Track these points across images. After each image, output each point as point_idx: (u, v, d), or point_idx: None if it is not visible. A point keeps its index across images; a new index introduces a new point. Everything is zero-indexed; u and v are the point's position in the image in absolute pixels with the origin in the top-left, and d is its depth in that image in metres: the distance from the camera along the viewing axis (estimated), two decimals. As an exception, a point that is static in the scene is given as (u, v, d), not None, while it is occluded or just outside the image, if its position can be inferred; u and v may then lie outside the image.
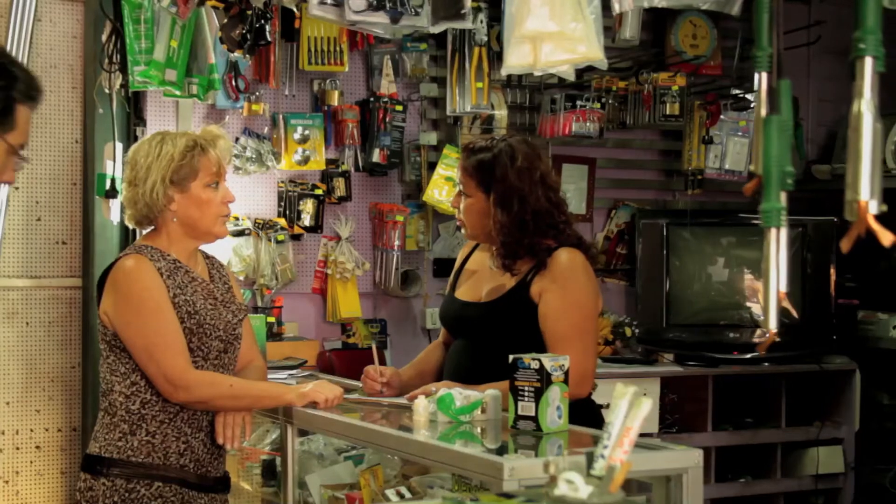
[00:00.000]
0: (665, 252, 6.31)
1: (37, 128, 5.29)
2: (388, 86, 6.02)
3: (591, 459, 1.93)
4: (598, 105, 6.18)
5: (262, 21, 4.58)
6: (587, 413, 3.88)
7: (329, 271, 5.97)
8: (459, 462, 3.02)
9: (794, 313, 6.35)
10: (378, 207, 6.10)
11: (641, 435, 5.27)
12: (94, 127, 5.29)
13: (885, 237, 1.61)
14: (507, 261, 3.87)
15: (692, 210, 6.49)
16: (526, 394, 3.33)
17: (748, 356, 6.29)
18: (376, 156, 5.93)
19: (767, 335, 1.76)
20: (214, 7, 4.53)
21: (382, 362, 5.13)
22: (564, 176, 6.53)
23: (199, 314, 3.71)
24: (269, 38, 4.73)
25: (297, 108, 5.92)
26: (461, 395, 3.47)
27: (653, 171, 6.90)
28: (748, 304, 6.37)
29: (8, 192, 5.11)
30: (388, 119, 5.93)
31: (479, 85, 5.77)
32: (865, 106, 1.60)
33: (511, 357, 3.37)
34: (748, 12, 6.44)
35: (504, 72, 3.57)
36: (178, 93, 4.90)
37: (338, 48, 5.83)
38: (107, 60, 5.06)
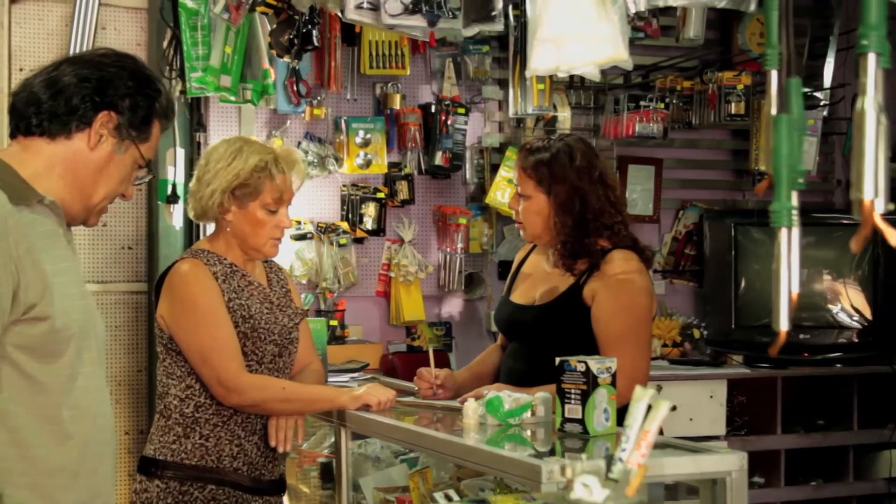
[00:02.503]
0: (733, 253, 6.24)
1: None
2: (450, 88, 6.03)
3: (610, 463, 1.92)
4: (662, 105, 6.14)
5: (310, 26, 4.60)
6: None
7: (393, 274, 5.99)
8: (499, 465, 3.00)
9: (867, 314, 6.27)
10: (441, 210, 6.11)
11: (701, 438, 5.22)
12: (156, 133, 5.35)
13: (893, 237, 1.58)
14: (567, 261, 3.84)
15: (759, 210, 6.40)
16: (573, 396, 3.30)
17: (819, 358, 6.21)
18: (438, 159, 5.94)
19: (779, 336, 1.73)
20: (264, 13, 4.56)
21: (446, 365, 5.15)
22: (631, 177, 6.50)
23: (254, 318, 3.73)
24: (317, 43, 4.76)
25: (360, 112, 5.95)
26: (510, 397, 3.45)
27: (721, 171, 6.84)
28: (819, 305, 6.29)
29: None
30: (450, 122, 5.94)
31: (541, 87, 5.75)
32: (869, 103, 1.57)
33: (557, 359, 3.35)
34: (821, 7, 6.35)
35: (528, 74, 3.56)
36: (232, 98, 4.94)
37: (399, 52, 5.86)
38: (167, 67, 5.11)
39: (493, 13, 3.44)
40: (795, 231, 1.73)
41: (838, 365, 6.24)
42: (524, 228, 3.96)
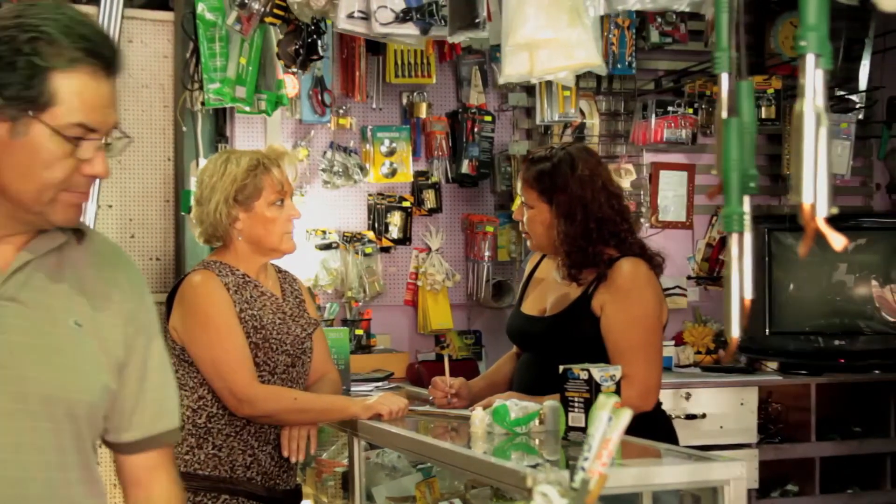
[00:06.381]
0: (767, 258, 6.17)
1: (130, 146, 5.38)
2: (477, 96, 6.02)
3: (573, 472, 1.90)
4: (691, 110, 6.10)
5: (315, 36, 4.60)
6: (658, 426, 3.81)
7: (420, 283, 5.98)
8: (486, 472, 2.98)
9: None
10: (469, 218, 6.10)
11: (731, 446, 5.13)
12: (182, 144, 5.39)
13: (836, 241, 1.56)
14: (572, 271, 3.82)
15: (792, 215, 6.31)
16: (576, 404, 3.30)
17: (855, 364, 6.13)
18: (465, 167, 5.94)
19: (730, 342, 1.71)
20: (272, 23, 4.58)
21: (474, 374, 5.13)
22: (663, 183, 6.46)
23: (266, 329, 3.74)
24: (322, 53, 4.76)
25: (386, 121, 5.95)
26: (517, 406, 3.43)
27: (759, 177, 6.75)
28: (855, 311, 6.22)
29: (96, 211, 5.20)
30: (476, 130, 5.93)
31: (567, 93, 5.73)
32: (808, 106, 1.54)
33: (561, 368, 3.34)
34: (856, 9, 6.32)
35: (501, 80, 3.53)
36: (247, 109, 4.97)
37: (425, 60, 5.86)
38: (189, 79, 5.14)
39: (478, 20, 3.42)
40: (747, 236, 1.71)
41: (876, 371, 6.15)
42: (529, 237, 3.95)
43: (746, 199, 1.71)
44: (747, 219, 1.70)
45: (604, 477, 1.84)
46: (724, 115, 1.71)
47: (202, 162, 5.22)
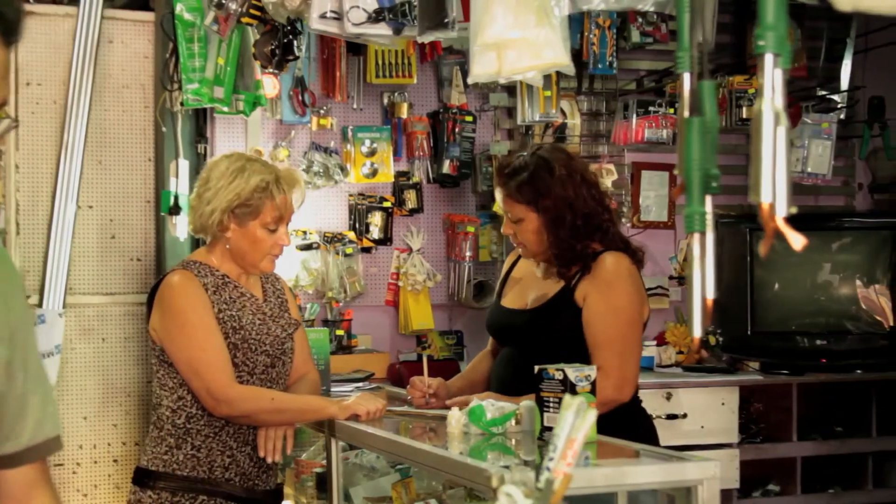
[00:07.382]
0: (749, 258, 6.18)
1: (111, 146, 5.39)
2: (458, 97, 6.01)
3: (538, 472, 1.90)
4: (672, 110, 6.10)
5: (290, 36, 4.60)
6: (638, 424, 3.82)
7: (401, 283, 5.98)
8: (455, 471, 2.99)
9: (888, 320, 6.20)
10: (450, 218, 6.10)
11: (712, 446, 5.12)
12: (162, 145, 5.38)
13: (795, 241, 1.56)
14: (562, 269, 3.83)
15: (774, 214, 6.33)
16: (551, 405, 3.30)
17: (837, 364, 6.14)
18: (446, 167, 5.94)
19: (693, 342, 1.71)
20: (248, 24, 4.57)
21: (455, 374, 5.13)
22: (644, 183, 6.46)
23: (245, 329, 3.74)
24: (298, 53, 4.75)
25: (367, 122, 5.95)
26: (493, 406, 3.43)
27: (737, 177, 6.70)
28: (837, 310, 6.23)
29: (76, 211, 5.20)
30: (457, 130, 5.93)
31: (548, 93, 5.74)
32: (766, 105, 1.54)
33: (536, 368, 3.34)
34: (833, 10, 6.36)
35: (470, 80, 3.53)
36: (225, 109, 4.97)
37: (406, 60, 5.85)
38: (169, 79, 5.13)
39: (447, 20, 3.42)
40: (709, 236, 1.71)
41: (858, 371, 6.16)
42: (524, 247, 3.90)
43: (708, 199, 1.71)
44: (709, 218, 1.70)
45: (568, 477, 1.84)
46: (687, 114, 1.71)
47: (182, 163, 5.22)
